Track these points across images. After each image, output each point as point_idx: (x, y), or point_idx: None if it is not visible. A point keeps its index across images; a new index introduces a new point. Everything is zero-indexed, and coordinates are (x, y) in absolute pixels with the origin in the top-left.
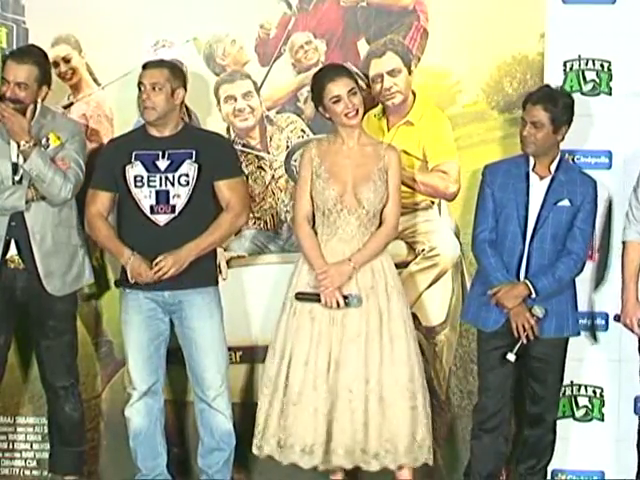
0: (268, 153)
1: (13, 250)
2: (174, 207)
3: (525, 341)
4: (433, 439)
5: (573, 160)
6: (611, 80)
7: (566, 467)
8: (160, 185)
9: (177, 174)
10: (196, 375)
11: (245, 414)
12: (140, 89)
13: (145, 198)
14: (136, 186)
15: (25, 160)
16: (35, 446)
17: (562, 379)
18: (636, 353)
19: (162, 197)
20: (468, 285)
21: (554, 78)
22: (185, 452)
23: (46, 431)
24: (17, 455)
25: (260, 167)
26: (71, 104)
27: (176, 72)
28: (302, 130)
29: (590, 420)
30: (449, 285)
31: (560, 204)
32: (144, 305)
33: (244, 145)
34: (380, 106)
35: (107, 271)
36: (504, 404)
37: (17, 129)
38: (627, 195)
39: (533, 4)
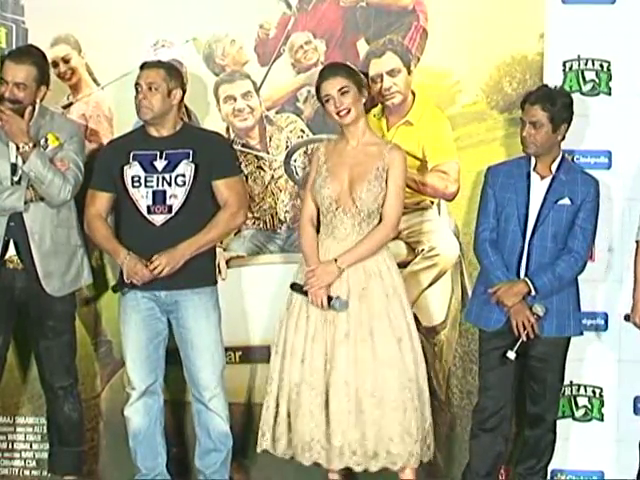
0: (267, 153)
1: (12, 250)
2: (171, 207)
3: (525, 339)
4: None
5: (573, 160)
6: (610, 80)
7: (566, 467)
8: (157, 185)
9: (174, 174)
10: (192, 376)
11: (245, 414)
12: (137, 90)
13: (142, 198)
14: (133, 186)
15: (24, 161)
16: (34, 446)
17: (562, 379)
18: (636, 353)
19: (159, 197)
20: (468, 285)
21: (553, 78)
22: (184, 452)
23: (45, 431)
24: (16, 455)
25: (259, 167)
26: (70, 104)
27: (173, 73)
28: (302, 130)
29: (590, 420)
30: (449, 285)
31: (560, 203)
32: (142, 304)
33: (243, 145)
34: (380, 106)
35: (106, 272)
36: (504, 404)
37: (16, 131)
38: (627, 195)
39: (532, 4)
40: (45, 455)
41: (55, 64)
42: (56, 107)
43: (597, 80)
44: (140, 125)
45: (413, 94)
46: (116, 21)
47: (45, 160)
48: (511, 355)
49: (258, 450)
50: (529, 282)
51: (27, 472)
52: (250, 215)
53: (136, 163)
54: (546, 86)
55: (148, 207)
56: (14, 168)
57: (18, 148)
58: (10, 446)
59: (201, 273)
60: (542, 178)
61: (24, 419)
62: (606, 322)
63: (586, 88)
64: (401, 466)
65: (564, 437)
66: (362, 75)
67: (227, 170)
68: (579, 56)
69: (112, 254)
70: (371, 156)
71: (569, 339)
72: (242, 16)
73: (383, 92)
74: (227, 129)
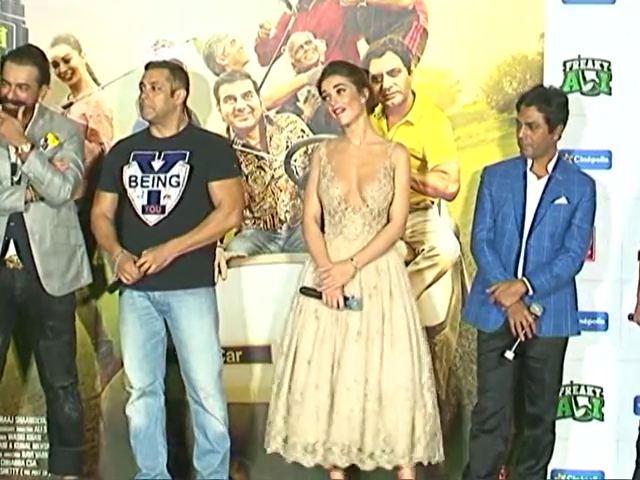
0: (268, 153)
1: (12, 250)
2: (164, 207)
3: (523, 339)
4: None
5: (572, 160)
6: (611, 80)
7: (566, 467)
8: (153, 185)
9: (169, 175)
10: (188, 377)
11: (245, 414)
12: (141, 89)
13: (138, 198)
14: (130, 186)
15: (23, 162)
16: (35, 446)
17: (561, 380)
18: (636, 353)
19: (153, 197)
20: (468, 285)
21: (554, 78)
22: (185, 452)
23: (45, 431)
24: (17, 455)
25: (260, 167)
26: (71, 104)
27: (177, 73)
28: (302, 130)
29: (590, 420)
30: (449, 285)
31: (557, 202)
32: (138, 303)
33: (244, 145)
34: (380, 106)
35: (106, 271)
36: (504, 405)
37: (13, 133)
38: (627, 195)
39: (533, 4)
40: (45, 455)
41: (55, 64)
42: (56, 107)
43: (597, 80)
44: (143, 125)
45: (413, 94)
46: (116, 21)
47: (44, 160)
48: (509, 355)
49: (269, 451)
50: (527, 282)
51: (27, 472)
52: (250, 215)
53: (135, 163)
54: (541, 86)
55: (143, 207)
56: (14, 168)
57: (17, 150)
58: (10, 446)
59: (195, 274)
60: (539, 178)
61: (24, 419)
62: (606, 322)
63: (586, 88)
64: (398, 466)
65: (564, 437)
66: (365, 74)
67: (222, 172)
68: (579, 56)
69: (108, 252)
70: (376, 155)
71: (567, 339)
72: (242, 16)
73: (383, 92)
74: (227, 129)
